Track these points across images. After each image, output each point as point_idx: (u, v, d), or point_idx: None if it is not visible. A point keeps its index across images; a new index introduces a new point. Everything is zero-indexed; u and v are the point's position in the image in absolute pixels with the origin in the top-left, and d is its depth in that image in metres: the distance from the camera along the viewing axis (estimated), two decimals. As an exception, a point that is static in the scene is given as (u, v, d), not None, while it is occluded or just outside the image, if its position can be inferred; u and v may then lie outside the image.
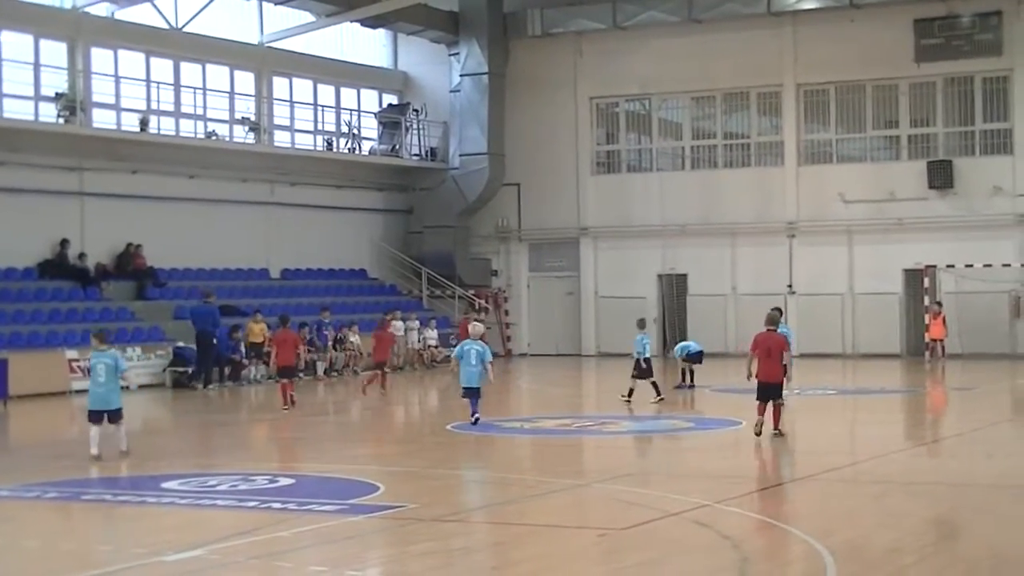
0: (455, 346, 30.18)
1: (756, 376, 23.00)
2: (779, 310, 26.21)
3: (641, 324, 31.51)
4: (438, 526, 15.74)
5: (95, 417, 21.42)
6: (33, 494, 18.23)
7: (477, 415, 25.56)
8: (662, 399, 29.97)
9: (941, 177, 43.82)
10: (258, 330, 37.96)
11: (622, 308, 46.97)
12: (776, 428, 22.95)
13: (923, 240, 43.75)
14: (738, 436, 24.61)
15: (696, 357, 33.52)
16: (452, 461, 22.16)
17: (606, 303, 48.00)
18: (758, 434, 22.81)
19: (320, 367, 40.19)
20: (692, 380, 33.24)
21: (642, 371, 30.04)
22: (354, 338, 41.35)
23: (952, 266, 43.23)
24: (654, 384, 30.20)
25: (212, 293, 38.18)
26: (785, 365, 22.93)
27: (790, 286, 45.56)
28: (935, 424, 28.56)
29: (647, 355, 30.06)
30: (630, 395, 29.97)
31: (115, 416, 21.55)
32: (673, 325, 46.58)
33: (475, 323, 28.89)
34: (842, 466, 20.53)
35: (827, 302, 45.08)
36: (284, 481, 19.10)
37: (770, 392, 22.84)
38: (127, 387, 22.61)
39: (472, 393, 25.80)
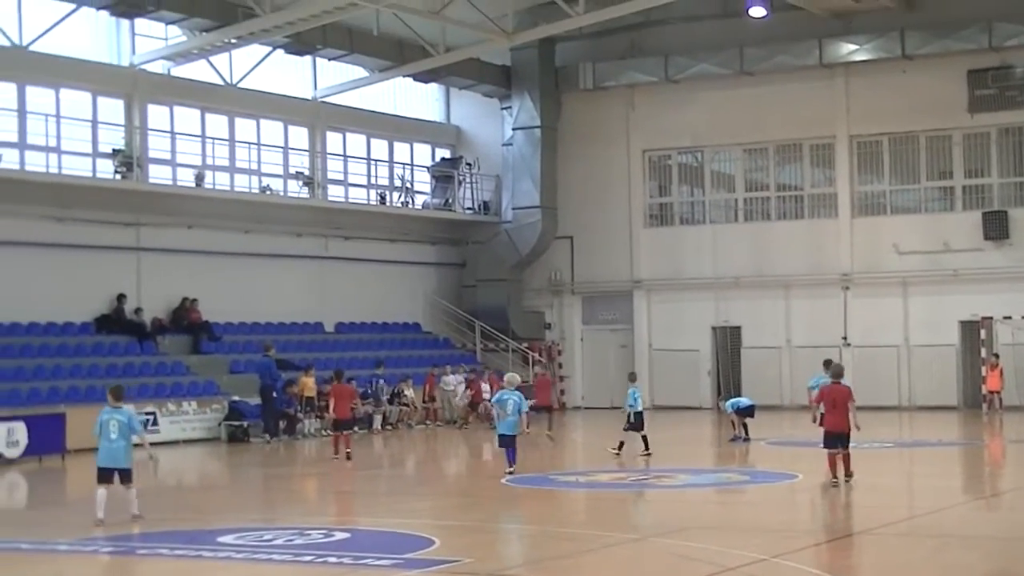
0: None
1: (824, 426, 23.94)
2: (831, 361, 28.19)
3: (632, 378, 32.25)
4: (494, 581, 15.70)
5: (104, 476, 20.41)
6: (90, 548, 18.31)
7: (513, 468, 26.13)
8: (650, 454, 30.03)
9: (996, 228, 43.60)
10: (311, 384, 38.13)
11: (676, 361, 46.92)
12: (848, 473, 23.71)
13: (979, 291, 43.44)
14: (794, 489, 24.52)
15: (747, 411, 33.51)
16: (507, 515, 22.13)
17: (660, 356, 47.88)
18: (836, 485, 23.46)
19: (377, 421, 40.24)
20: (747, 433, 33.15)
21: (632, 424, 30.41)
22: (409, 392, 41.42)
23: (1009, 317, 42.87)
24: (644, 438, 30.39)
25: (271, 346, 38.37)
26: (850, 415, 23.73)
27: (845, 338, 45.35)
28: (993, 477, 28.30)
29: (638, 408, 30.45)
30: (620, 448, 30.18)
31: (125, 476, 20.47)
32: (727, 378, 46.43)
33: (511, 373, 29.23)
34: (899, 520, 20.37)
35: (883, 354, 44.81)
36: (339, 535, 19.11)
37: (837, 441, 23.70)
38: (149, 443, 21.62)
39: (509, 441, 26.32)
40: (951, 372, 44.27)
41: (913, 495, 25.10)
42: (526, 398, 27.80)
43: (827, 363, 30.50)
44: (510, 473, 26.07)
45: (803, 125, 46.45)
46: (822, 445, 23.99)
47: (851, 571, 16.59)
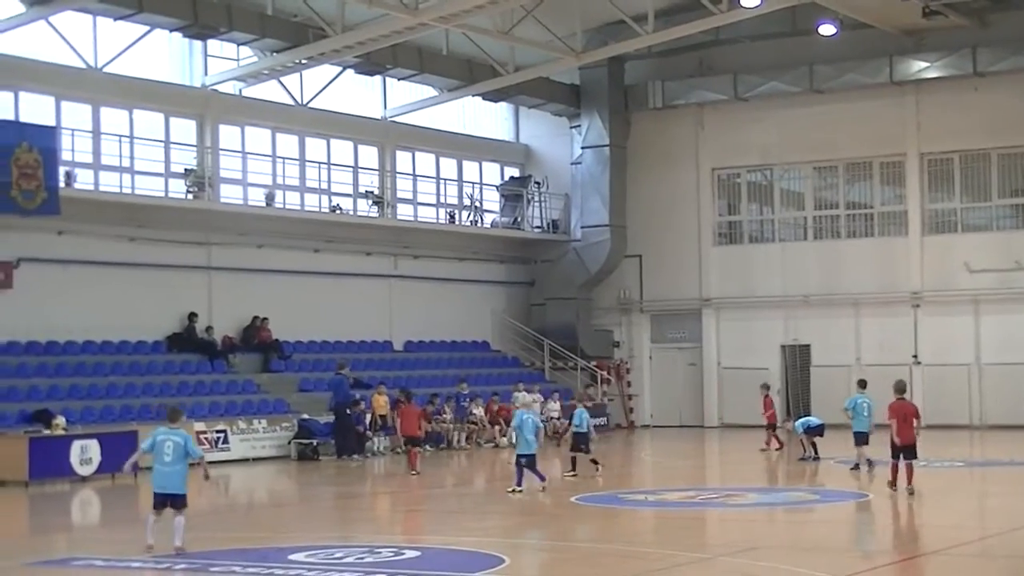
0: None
1: (893, 438, 25.46)
2: (865, 381, 31.39)
3: (579, 398, 32.84)
4: (563, 599, 15.73)
5: (159, 502, 19.45)
6: (164, 565, 18.47)
7: (544, 484, 27.19)
8: (602, 465, 30.26)
9: (1069, 246, 43.28)
10: (383, 402, 38.33)
11: (745, 379, 46.68)
12: (910, 484, 25.11)
13: (1052, 309, 43.17)
14: (864, 508, 24.41)
15: (817, 430, 33.40)
16: (576, 533, 22.14)
17: (729, 374, 47.75)
18: (892, 487, 25.29)
19: (459, 437, 40.30)
20: (816, 452, 33.02)
21: (576, 445, 30.47)
22: (477, 410, 41.43)
23: (1082, 335, 42.54)
24: (573, 459, 30.37)
25: (345, 364, 38.50)
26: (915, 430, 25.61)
27: (915, 356, 45.07)
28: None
29: (584, 429, 30.31)
30: (574, 467, 30.26)
31: (178, 503, 19.37)
32: (796, 396, 46.25)
33: (524, 392, 29.72)
34: (971, 540, 20.25)
35: (954, 373, 44.48)
36: (410, 553, 19.20)
37: (905, 453, 25.34)
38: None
39: (531, 460, 27.06)
40: (1023, 391, 43.87)
41: (984, 515, 24.91)
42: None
43: (861, 383, 31.38)
44: (542, 490, 26.95)
45: (873, 143, 46.24)
46: (891, 455, 25.57)
47: (922, 592, 16.53)
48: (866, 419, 30.28)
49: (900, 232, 46.21)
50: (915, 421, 25.48)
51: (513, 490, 26.82)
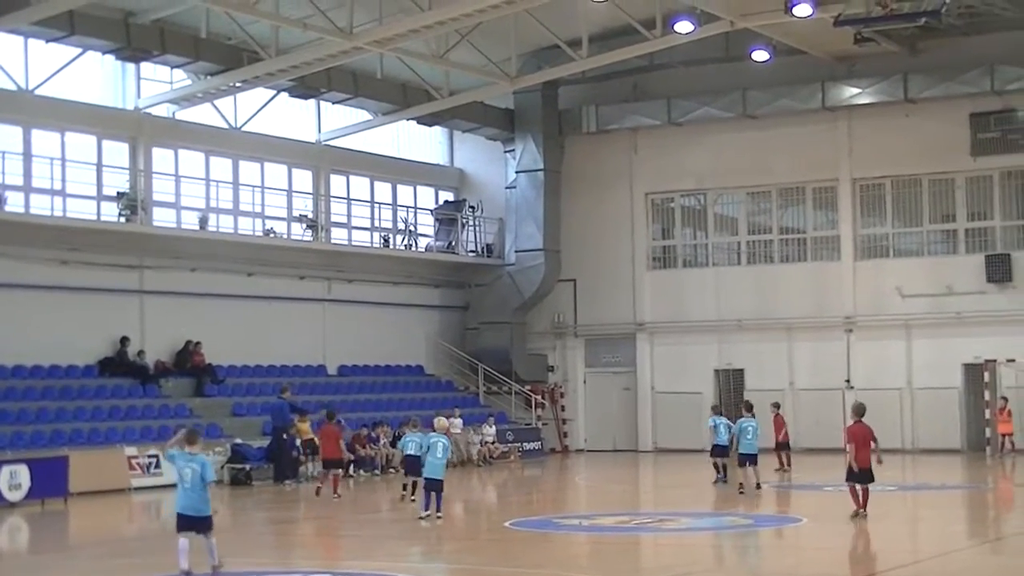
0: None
1: (852, 462, 25.31)
2: (750, 405, 32.30)
3: (412, 423, 29.74)
4: (497, 626, 15.66)
5: (184, 524, 18.98)
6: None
7: (440, 514, 25.97)
8: (439, 516, 27.81)
9: (999, 271, 43.62)
10: (305, 428, 37.98)
11: (679, 403, 46.89)
12: (864, 509, 25.24)
13: (982, 334, 43.42)
14: (798, 534, 24.47)
15: (721, 451, 33.21)
16: (510, 559, 22.06)
17: (663, 398, 47.84)
18: (860, 516, 25.07)
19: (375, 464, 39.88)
20: (725, 474, 32.95)
21: (409, 470, 29.00)
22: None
23: (1012, 360, 42.82)
24: (408, 485, 29.20)
25: (287, 388, 38.25)
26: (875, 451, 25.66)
27: (848, 381, 45.32)
28: (998, 521, 28.22)
29: (416, 453, 27.98)
30: (413, 492, 28.84)
31: (204, 525, 19.05)
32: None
33: (441, 417, 28.62)
34: (904, 564, 20.32)
35: (886, 397, 44.61)
36: (344, 580, 19.10)
37: (863, 477, 25.37)
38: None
39: (436, 485, 26.03)
40: (954, 415, 44.21)
41: (917, 539, 25.05)
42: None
43: (747, 406, 31.86)
44: (438, 518, 25.88)
45: (806, 168, 46.54)
46: (847, 479, 25.52)
47: (855, 616, 16.56)
48: (751, 442, 30.74)
49: (833, 257, 46.50)
50: (873, 443, 25.48)
51: (421, 517, 26.29)
